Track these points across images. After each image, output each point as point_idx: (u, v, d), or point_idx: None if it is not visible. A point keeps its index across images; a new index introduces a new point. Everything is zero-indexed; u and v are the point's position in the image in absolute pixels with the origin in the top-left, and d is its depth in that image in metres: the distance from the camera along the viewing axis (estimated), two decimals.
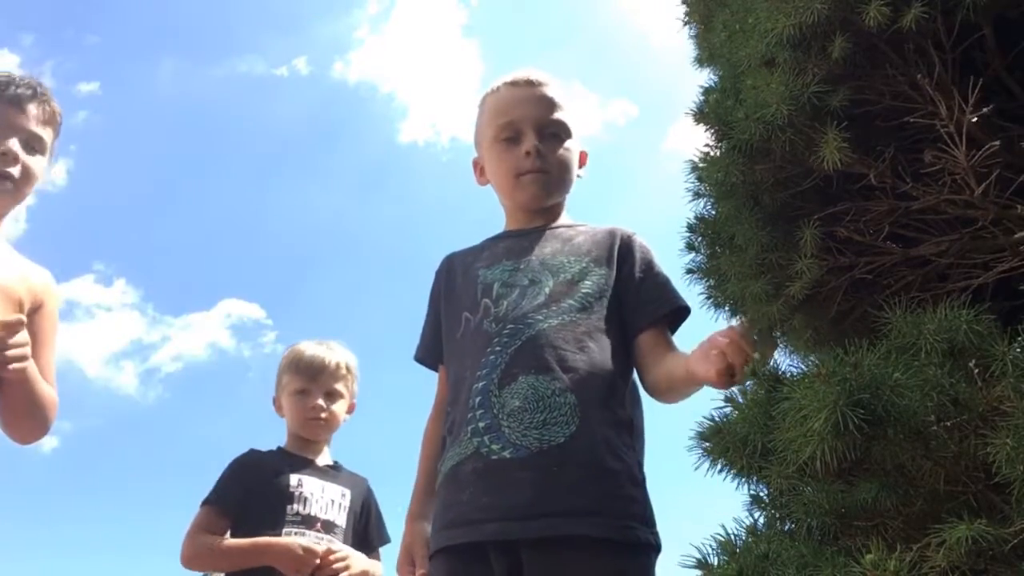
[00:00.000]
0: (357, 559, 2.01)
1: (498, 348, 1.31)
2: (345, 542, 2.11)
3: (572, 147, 1.48)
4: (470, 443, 1.26)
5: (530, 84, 1.50)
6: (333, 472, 2.23)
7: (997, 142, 1.59)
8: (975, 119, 1.61)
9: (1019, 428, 1.15)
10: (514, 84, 1.52)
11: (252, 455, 2.24)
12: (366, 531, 2.24)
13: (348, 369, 2.29)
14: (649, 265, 1.43)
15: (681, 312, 1.40)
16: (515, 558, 1.19)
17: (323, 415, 2.22)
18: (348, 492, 2.19)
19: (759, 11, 1.83)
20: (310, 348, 2.31)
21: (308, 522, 2.06)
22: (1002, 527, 1.13)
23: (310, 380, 2.24)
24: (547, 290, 1.35)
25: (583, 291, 1.36)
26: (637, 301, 1.39)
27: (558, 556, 1.16)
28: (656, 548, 1.25)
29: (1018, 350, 1.27)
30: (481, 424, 1.26)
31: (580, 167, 1.54)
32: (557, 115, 1.48)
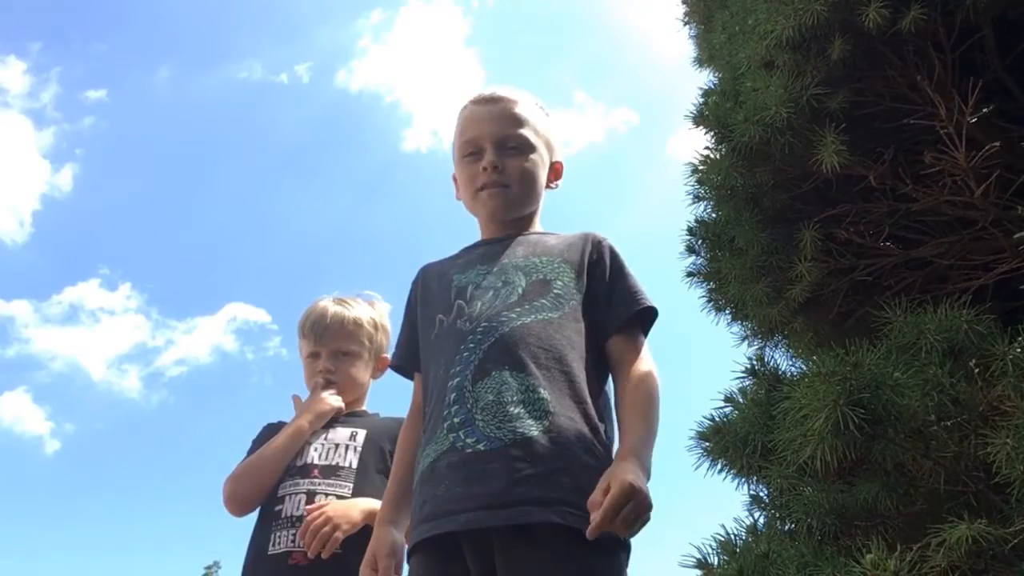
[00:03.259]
0: (342, 512, 1.80)
1: (472, 345, 1.32)
2: (360, 480, 1.96)
3: (536, 160, 1.50)
4: (446, 439, 1.27)
5: (492, 101, 1.53)
6: (348, 419, 2.06)
7: (997, 143, 1.59)
8: (974, 120, 1.62)
9: (1019, 428, 1.15)
10: (477, 102, 1.56)
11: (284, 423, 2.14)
12: None
13: (357, 324, 2.09)
14: (620, 268, 1.44)
15: (649, 312, 1.41)
16: (490, 557, 1.19)
17: (331, 379, 2.03)
18: (361, 432, 2.00)
19: (759, 12, 1.83)
20: (319, 306, 2.12)
21: (303, 472, 1.90)
22: (1002, 527, 1.13)
23: (316, 342, 2.07)
24: (520, 290, 1.37)
25: (555, 291, 1.38)
26: (608, 304, 1.40)
27: (529, 550, 1.16)
28: (625, 546, 1.25)
29: (1018, 350, 1.27)
30: (456, 419, 1.27)
31: (555, 179, 1.56)
32: (519, 130, 1.50)
